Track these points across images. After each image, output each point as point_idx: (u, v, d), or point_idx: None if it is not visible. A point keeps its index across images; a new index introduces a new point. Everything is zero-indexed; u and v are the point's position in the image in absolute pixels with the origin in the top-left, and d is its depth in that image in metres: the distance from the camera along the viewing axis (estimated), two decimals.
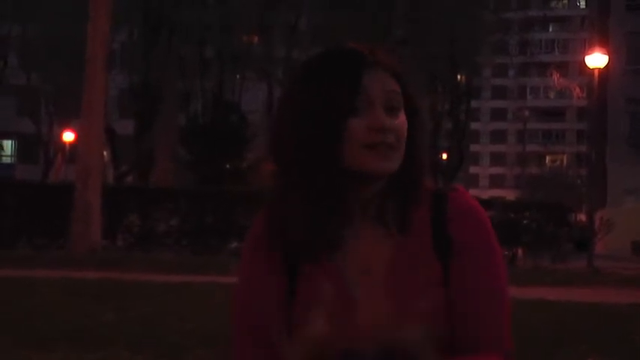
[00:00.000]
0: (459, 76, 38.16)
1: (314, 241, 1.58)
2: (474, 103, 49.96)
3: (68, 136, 45.22)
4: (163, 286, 11.64)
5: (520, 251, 22.12)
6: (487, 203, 21.71)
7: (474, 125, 71.54)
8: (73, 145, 40.08)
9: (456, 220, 1.59)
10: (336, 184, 1.57)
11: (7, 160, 57.66)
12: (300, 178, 1.57)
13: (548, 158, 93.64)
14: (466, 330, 1.57)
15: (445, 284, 1.57)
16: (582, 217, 38.76)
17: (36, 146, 47.01)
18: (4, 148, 58.07)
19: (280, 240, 1.60)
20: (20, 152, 56.55)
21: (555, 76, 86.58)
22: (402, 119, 1.59)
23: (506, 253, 20.19)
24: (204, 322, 8.23)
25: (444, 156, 39.02)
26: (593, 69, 29.54)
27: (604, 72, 34.32)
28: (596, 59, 28.87)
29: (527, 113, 78.27)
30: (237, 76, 38.17)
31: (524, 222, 22.76)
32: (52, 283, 11.33)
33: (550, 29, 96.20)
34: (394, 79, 1.60)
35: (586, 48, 51.43)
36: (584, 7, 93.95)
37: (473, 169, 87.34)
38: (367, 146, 1.55)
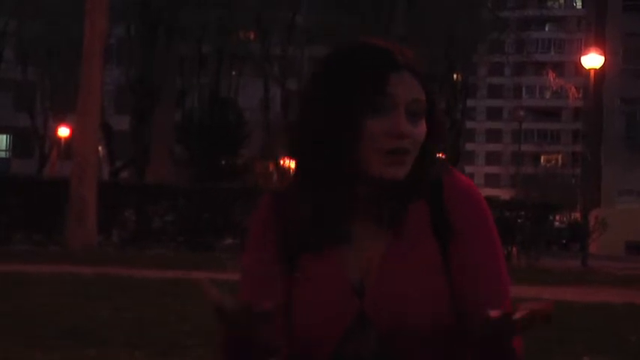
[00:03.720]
0: (455, 75, 38.16)
1: (318, 231, 1.59)
2: (469, 102, 49.90)
3: (63, 131, 45.15)
4: (159, 282, 11.64)
5: (514, 250, 22.15)
6: None
7: (469, 124, 71.49)
8: (68, 140, 40.02)
9: (452, 205, 1.60)
10: (348, 180, 1.58)
11: (1, 154, 57.53)
12: (314, 171, 1.58)
13: (543, 158, 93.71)
14: (466, 307, 1.57)
15: (444, 270, 1.58)
16: (577, 216, 38.81)
17: (31, 141, 46.92)
18: None
19: (285, 228, 1.61)
20: (15, 147, 56.43)
21: (551, 76, 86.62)
22: (422, 127, 1.58)
23: None
24: (201, 318, 8.24)
25: (440, 155, 38.98)
26: (589, 69, 29.57)
27: (600, 72, 34.33)
28: (592, 60, 28.90)
29: (522, 113, 78.24)
30: (234, 73, 38.15)
31: (519, 221, 22.80)
32: (48, 280, 11.33)
33: (546, 29, 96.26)
34: (421, 86, 1.59)
35: (582, 48, 51.49)
36: (580, 7, 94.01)
37: (468, 168, 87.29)
38: (382, 151, 1.55)
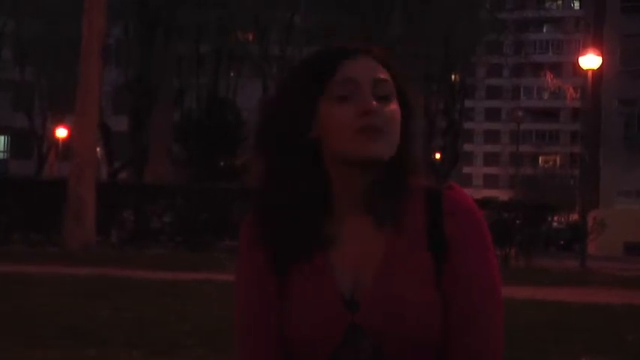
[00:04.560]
0: (453, 76, 38.19)
1: (302, 241, 1.59)
2: (468, 103, 49.95)
3: (61, 132, 45.11)
4: (158, 282, 11.64)
5: (513, 250, 22.16)
6: (478, 203, 21.71)
7: (467, 125, 71.53)
8: (67, 141, 40.00)
9: (451, 218, 1.59)
10: (321, 179, 1.58)
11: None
12: (284, 175, 1.58)
13: (541, 159, 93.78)
14: (459, 328, 1.57)
15: (437, 282, 1.57)
16: (575, 217, 38.82)
17: (29, 142, 46.87)
18: None
19: (271, 238, 1.61)
20: (13, 148, 56.37)
21: (549, 77, 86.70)
22: (393, 107, 1.58)
23: (498, 253, 20.20)
24: (200, 318, 8.25)
25: (438, 155, 39.05)
26: (587, 70, 29.60)
27: (598, 73, 34.37)
28: (590, 60, 28.92)
29: (521, 113, 78.36)
30: (232, 74, 38.13)
31: (517, 222, 22.80)
32: (48, 280, 11.33)
33: (544, 30, 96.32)
34: (385, 69, 1.61)
35: (580, 49, 51.54)
36: (578, 8, 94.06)
37: (466, 169, 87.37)
38: (356, 131, 1.55)
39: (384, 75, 1.59)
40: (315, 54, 1.63)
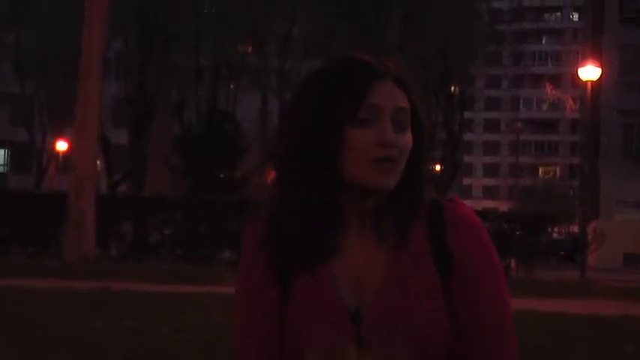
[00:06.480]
0: (452, 87, 38.24)
1: (310, 249, 1.59)
2: (467, 114, 50.03)
3: (61, 146, 45.13)
4: (157, 295, 11.63)
5: (513, 262, 22.14)
6: (478, 214, 21.68)
7: (467, 136, 71.60)
8: (66, 154, 40.02)
9: (453, 231, 1.60)
10: (334, 194, 1.58)
11: None
12: (299, 186, 1.58)
13: (541, 170, 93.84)
14: (470, 342, 1.57)
15: (443, 293, 1.57)
16: (575, 228, 38.80)
17: (29, 155, 46.88)
18: None
19: (276, 247, 1.61)
20: (13, 161, 56.35)
21: (548, 88, 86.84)
22: (407, 136, 1.59)
23: None
24: (198, 332, 8.24)
25: (438, 167, 39.07)
26: (585, 81, 29.66)
27: (597, 84, 34.44)
28: (589, 72, 28.99)
29: (520, 125, 78.44)
30: (232, 86, 38.18)
31: (517, 233, 22.79)
32: (47, 292, 11.32)
33: (543, 41, 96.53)
34: (405, 94, 1.60)
35: (579, 60, 51.65)
36: (577, 19, 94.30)
37: (466, 180, 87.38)
38: (371, 160, 1.55)
39: (404, 103, 1.59)
40: (345, 72, 1.58)
